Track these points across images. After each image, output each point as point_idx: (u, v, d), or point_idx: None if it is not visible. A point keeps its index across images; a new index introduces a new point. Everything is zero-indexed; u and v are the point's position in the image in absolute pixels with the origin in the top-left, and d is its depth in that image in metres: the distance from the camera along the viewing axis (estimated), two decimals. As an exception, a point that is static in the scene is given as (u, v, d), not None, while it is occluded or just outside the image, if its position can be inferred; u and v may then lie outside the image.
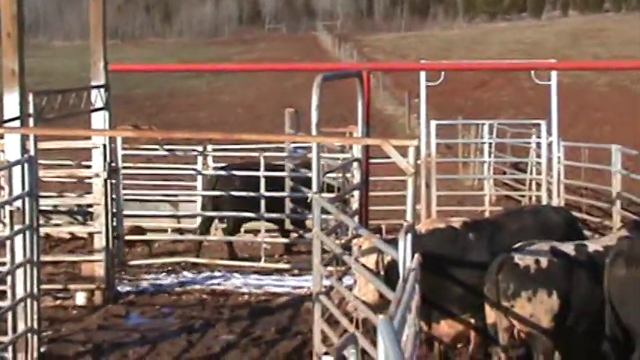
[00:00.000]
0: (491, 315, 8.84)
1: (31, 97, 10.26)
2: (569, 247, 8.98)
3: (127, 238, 14.96)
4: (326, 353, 4.42)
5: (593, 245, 9.14)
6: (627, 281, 8.57)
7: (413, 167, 8.06)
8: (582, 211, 17.70)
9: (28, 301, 9.82)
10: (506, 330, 8.80)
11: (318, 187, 10.09)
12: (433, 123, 17.96)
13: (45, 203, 13.46)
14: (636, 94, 39.87)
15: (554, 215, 10.08)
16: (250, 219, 15.28)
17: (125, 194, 16.00)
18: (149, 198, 16.90)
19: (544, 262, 8.77)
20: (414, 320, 6.57)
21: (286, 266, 14.51)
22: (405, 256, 7.24)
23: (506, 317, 8.75)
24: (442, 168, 18.97)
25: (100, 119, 12.68)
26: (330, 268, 10.03)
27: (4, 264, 10.05)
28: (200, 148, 16.56)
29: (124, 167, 15.88)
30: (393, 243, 7.63)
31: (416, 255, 7.41)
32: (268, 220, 15.17)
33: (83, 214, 15.96)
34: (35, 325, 9.90)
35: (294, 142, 16.42)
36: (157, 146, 16.97)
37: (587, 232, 16.27)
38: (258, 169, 14.89)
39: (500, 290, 8.74)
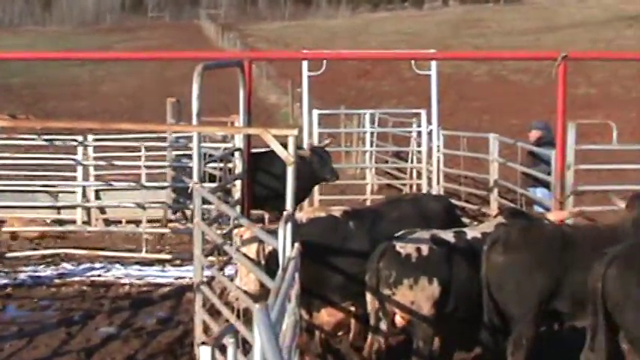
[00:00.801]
0: (371, 303, 8.94)
1: None
2: (448, 235, 9.14)
3: (5, 229, 14.67)
4: (203, 343, 4.42)
5: (472, 232, 9.32)
6: (504, 267, 8.76)
7: (292, 157, 8.09)
8: (461, 198, 18.00)
9: None
10: (386, 317, 8.92)
11: (199, 176, 10.07)
12: (315, 112, 18.07)
13: None
14: (514, 84, 40.71)
15: (433, 203, 10.22)
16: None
17: (2, 185, 15.70)
18: (27, 188, 16.61)
19: (425, 249, 8.89)
20: (294, 309, 6.61)
21: (168, 257, 14.42)
22: (285, 246, 7.27)
23: (388, 305, 8.87)
24: (325, 157, 19.06)
25: (-25, 109, 12.39)
26: (211, 258, 10.01)
27: None
28: (80, 138, 16.31)
29: (1, 157, 15.56)
30: (274, 232, 7.65)
31: (296, 244, 7.45)
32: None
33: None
34: None
35: (175, 132, 16.33)
36: (34, 136, 16.66)
37: (465, 220, 16.56)
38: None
39: (381, 278, 8.83)
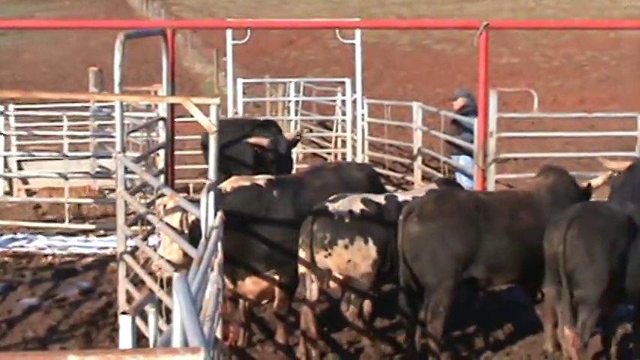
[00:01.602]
0: (304, 265, 9.04)
1: None
2: (380, 198, 9.33)
3: None
4: (123, 313, 4.40)
5: (403, 196, 9.53)
6: (419, 237, 8.86)
7: (215, 125, 8.07)
8: (385, 167, 18.12)
9: None
10: (320, 280, 9.03)
11: (122, 146, 9.99)
12: (240, 81, 18.01)
13: None
14: (438, 53, 40.92)
15: (356, 171, 10.31)
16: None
17: None
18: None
19: (357, 211, 9.08)
20: (217, 278, 6.61)
21: (91, 227, 14.31)
22: (207, 214, 7.26)
23: (323, 266, 9.00)
24: (250, 126, 19.03)
25: None
26: (134, 228, 9.96)
27: None
28: (1, 108, 16.07)
29: None
30: (198, 202, 7.63)
31: (218, 213, 7.45)
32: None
33: None
34: None
35: (98, 102, 16.17)
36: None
37: (390, 188, 16.71)
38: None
39: (316, 240, 8.96)
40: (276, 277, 9.26)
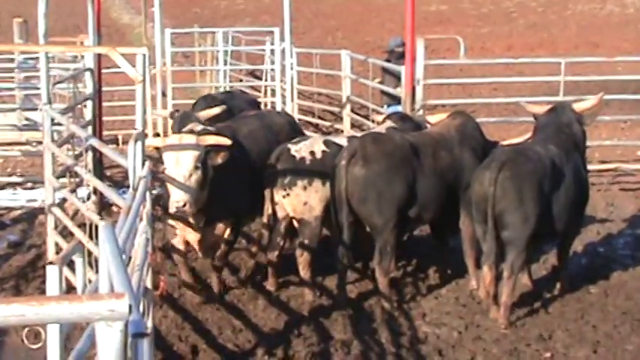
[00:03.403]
0: (267, 205, 9.25)
1: None
2: (342, 139, 9.54)
3: None
4: (50, 263, 4.42)
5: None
6: (365, 180, 8.96)
7: (141, 75, 8.03)
8: (315, 115, 18.18)
9: None
10: (282, 220, 9.25)
11: (48, 98, 9.90)
12: (168, 31, 17.86)
13: None
14: (368, 1, 40.91)
15: (278, 118, 10.53)
16: None
17: None
18: None
19: (318, 152, 9.28)
20: (145, 228, 6.63)
21: (19, 180, 14.17)
22: (135, 165, 7.25)
23: (281, 205, 9.19)
24: (180, 77, 18.95)
25: None
26: (63, 180, 9.90)
27: None
28: None
29: None
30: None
31: (146, 163, 7.44)
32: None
33: None
34: None
35: (24, 53, 15.95)
36: None
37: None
38: None
39: (277, 180, 9.16)
40: (226, 228, 9.26)
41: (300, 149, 9.30)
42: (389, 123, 10.12)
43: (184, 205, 8.47)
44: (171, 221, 9.10)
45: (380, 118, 10.78)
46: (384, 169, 9.01)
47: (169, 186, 8.66)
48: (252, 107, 11.76)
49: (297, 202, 9.18)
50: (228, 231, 9.23)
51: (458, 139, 9.62)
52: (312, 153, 9.28)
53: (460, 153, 9.51)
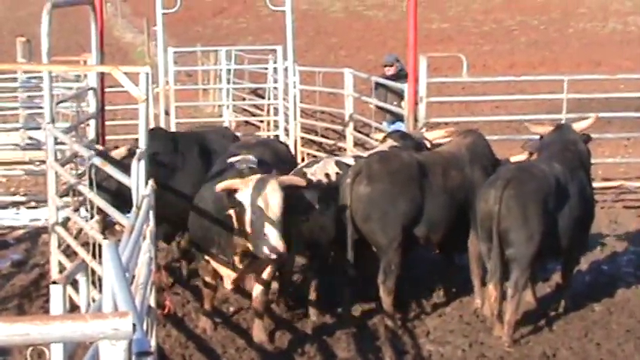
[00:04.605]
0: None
1: None
2: (350, 160, 9.59)
3: None
4: (54, 282, 4.41)
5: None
6: (370, 198, 8.96)
7: (144, 94, 8.04)
8: (318, 134, 18.19)
9: None
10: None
11: (51, 116, 9.90)
12: (171, 50, 17.88)
13: None
14: (370, 19, 41.00)
15: (280, 145, 10.47)
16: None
17: None
18: None
19: (333, 175, 9.31)
20: (149, 246, 6.63)
21: (22, 199, 14.17)
22: (138, 183, 7.26)
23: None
24: (182, 96, 18.97)
25: None
26: (66, 199, 9.90)
27: None
28: None
29: None
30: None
31: (150, 181, 7.45)
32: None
33: None
34: None
35: (27, 72, 15.98)
36: None
37: (322, 155, 16.79)
38: None
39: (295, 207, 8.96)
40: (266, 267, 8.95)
41: (315, 172, 9.27)
42: (390, 142, 10.10)
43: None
44: (208, 257, 8.80)
45: (380, 136, 10.75)
46: (389, 187, 9.01)
47: (256, 229, 8.07)
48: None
49: (314, 224, 9.13)
50: (268, 269, 8.82)
51: (469, 157, 9.63)
52: (327, 175, 9.28)
53: (471, 172, 9.51)
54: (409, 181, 9.08)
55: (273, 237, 7.99)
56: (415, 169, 9.16)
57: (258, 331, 8.82)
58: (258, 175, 8.26)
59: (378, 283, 9.09)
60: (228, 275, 8.82)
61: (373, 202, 8.97)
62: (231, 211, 8.25)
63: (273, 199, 8.06)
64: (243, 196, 8.12)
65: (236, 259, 8.53)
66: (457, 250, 9.79)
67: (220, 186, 8.15)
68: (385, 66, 15.51)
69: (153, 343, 6.38)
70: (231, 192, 8.16)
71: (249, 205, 8.08)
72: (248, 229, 8.12)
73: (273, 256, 8.03)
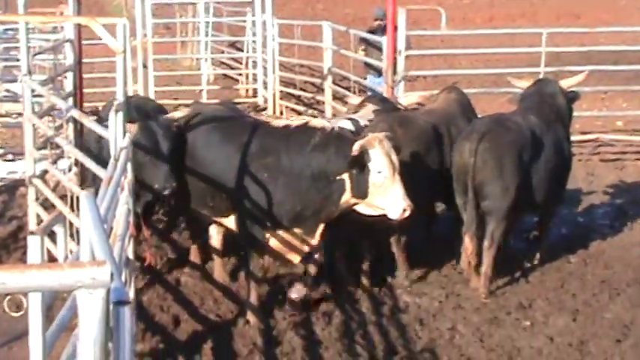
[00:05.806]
0: None
1: None
2: (347, 123, 9.03)
3: None
4: (32, 233, 4.42)
5: (362, 120, 9.26)
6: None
7: (122, 47, 8.00)
8: (296, 87, 18.15)
9: None
10: None
11: (28, 69, 9.83)
12: (149, 3, 17.75)
13: None
14: (350, -28, 40.75)
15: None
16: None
17: None
18: None
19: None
20: (127, 198, 6.63)
21: None
22: (116, 135, 7.25)
23: None
24: (160, 48, 18.85)
25: None
26: (43, 152, 9.87)
27: None
28: None
29: None
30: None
31: (127, 134, 7.44)
32: None
33: None
34: None
35: (2, 24, 15.84)
36: None
37: (301, 108, 16.81)
38: None
39: None
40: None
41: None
42: (371, 106, 9.90)
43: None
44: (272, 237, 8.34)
45: (356, 100, 10.53)
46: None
47: (385, 190, 7.81)
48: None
49: None
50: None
51: (459, 112, 9.63)
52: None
53: (465, 127, 9.35)
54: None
55: (403, 195, 7.77)
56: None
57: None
58: (376, 134, 7.99)
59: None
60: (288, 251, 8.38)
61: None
62: (345, 176, 7.92)
63: (395, 157, 7.88)
64: (373, 155, 7.81)
65: (318, 230, 8.20)
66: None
67: (356, 147, 7.72)
68: (376, 20, 15.49)
69: (131, 293, 6.40)
70: (357, 155, 7.77)
71: (380, 165, 7.80)
72: (374, 190, 7.82)
73: (407, 214, 7.80)
